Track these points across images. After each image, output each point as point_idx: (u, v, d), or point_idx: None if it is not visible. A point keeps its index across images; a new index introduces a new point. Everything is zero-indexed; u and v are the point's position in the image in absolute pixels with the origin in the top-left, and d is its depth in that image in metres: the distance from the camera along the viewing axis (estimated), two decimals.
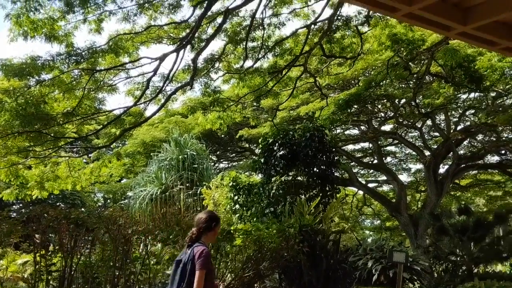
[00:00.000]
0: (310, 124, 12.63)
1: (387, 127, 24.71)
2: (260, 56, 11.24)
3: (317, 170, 11.78)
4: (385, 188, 30.75)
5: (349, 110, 16.69)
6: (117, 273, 8.75)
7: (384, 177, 26.79)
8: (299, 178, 11.55)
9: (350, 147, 27.39)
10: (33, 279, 8.45)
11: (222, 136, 23.95)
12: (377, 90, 15.64)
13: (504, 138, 19.93)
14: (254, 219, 10.88)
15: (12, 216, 10.10)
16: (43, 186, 11.19)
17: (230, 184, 12.44)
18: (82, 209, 17.33)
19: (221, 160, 29.71)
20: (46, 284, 8.44)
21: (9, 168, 10.24)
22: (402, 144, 25.72)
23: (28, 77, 8.87)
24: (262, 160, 12.30)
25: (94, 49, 9.12)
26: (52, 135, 9.63)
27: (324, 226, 10.39)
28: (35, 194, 11.27)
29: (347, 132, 25.47)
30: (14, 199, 11.78)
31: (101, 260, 8.98)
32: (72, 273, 8.43)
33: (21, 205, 19.48)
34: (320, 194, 11.44)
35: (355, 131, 25.37)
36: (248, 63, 11.24)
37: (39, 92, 9.00)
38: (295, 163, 11.69)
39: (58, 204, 19.93)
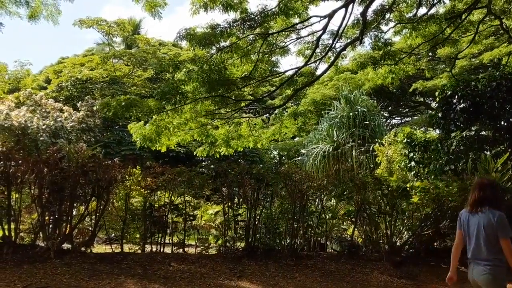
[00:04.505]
0: (496, 72, 11.37)
1: None
2: (435, 1, 10.33)
3: (505, 124, 10.75)
4: None
5: None
6: (295, 225, 9.30)
7: None
8: (483, 132, 10.72)
9: None
10: (223, 227, 9.42)
11: (394, 90, 23.01)
12: None
13: None
14: (432, 177, 10.42)
15: (202, 171, 11.32)
16: (229, 144, 12.34)
17: (405, 140, 12.05)
18: (261, 165, 18.67)
19: (394, 115, 28.69)
20: (234, 232, 9.31)
21: (200, 128, 11.54)
22: None
23: (210, 46, 9.67)
24: (439, 115, 11.61)
25: (265, 12, 9.45)
26: (233, 98, 10.49)
27: None
28: (223, 151, 12.53)
29: None
30: (204, 156, 13.22)
31: (280, 213, 9.63)
32: (256, 223, 9.21)
33: (209, 161, 21.78)
34: (509, 150, 10.39)
35: None
36: (422, 10, 10.45)
37: (220, 59, 9.76)
38: (478, 117, 10.81)
39: (239, 160, 21.76)
